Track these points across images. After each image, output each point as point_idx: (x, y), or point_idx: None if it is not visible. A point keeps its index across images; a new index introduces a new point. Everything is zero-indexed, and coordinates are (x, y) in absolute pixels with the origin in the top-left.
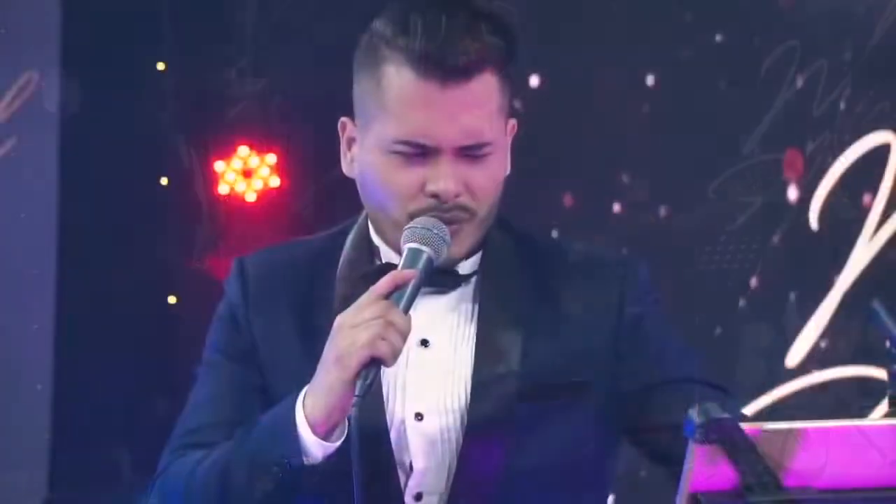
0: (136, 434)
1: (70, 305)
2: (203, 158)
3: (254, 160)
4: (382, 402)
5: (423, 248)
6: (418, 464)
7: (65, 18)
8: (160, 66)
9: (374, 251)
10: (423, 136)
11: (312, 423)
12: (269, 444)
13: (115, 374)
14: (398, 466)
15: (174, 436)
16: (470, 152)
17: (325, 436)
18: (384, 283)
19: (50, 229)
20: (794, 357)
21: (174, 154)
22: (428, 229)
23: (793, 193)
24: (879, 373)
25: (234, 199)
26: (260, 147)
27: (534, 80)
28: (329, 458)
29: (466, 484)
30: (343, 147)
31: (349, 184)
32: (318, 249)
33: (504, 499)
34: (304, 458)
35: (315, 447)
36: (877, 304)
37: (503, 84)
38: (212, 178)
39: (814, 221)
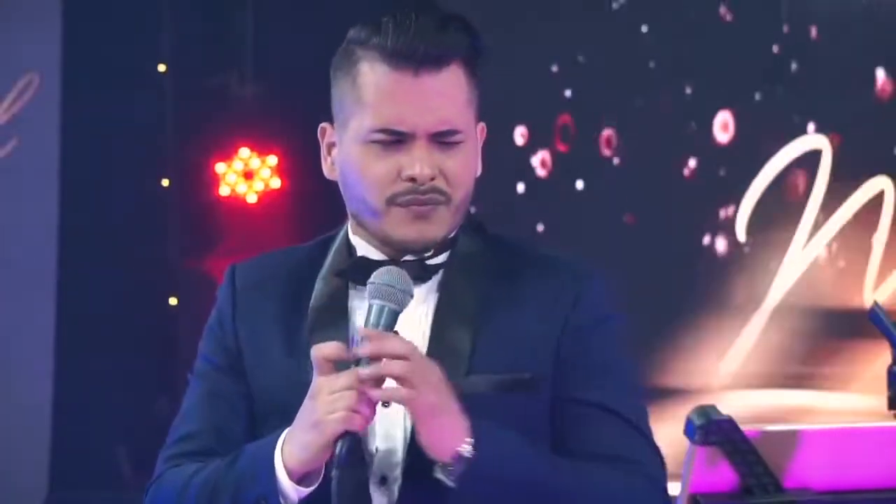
0: (135, 435)
1: (71, 306)
2: (204, 160)
3: (255, 162)
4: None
5: (389, 304)
6: (382, 448)
7: (65, 20)
8: (161, 67)
9: (352, 251)
10: (398, 123)
11: (289, 469)
12: (250, 481)
13: (115, 376)
14: (365, 451)
15: (167, 443)
16: (443, 139)
17: (301, 481)
18: (365, 349)
19: (51, 230)
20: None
21: (175, 155)
22: (390, 285)
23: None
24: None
25: (236, 201)
26: (261, 149)
27: None
28: (305, 499)
29: (416, 472)
30: (323, 152)
31: None
32: (306, 256)
33: (453, 490)
34: (281, 500)
35: (291, 491)
36: (877, 307)
37: (471, 80)
38: (213, 180)
39: (741, 234)
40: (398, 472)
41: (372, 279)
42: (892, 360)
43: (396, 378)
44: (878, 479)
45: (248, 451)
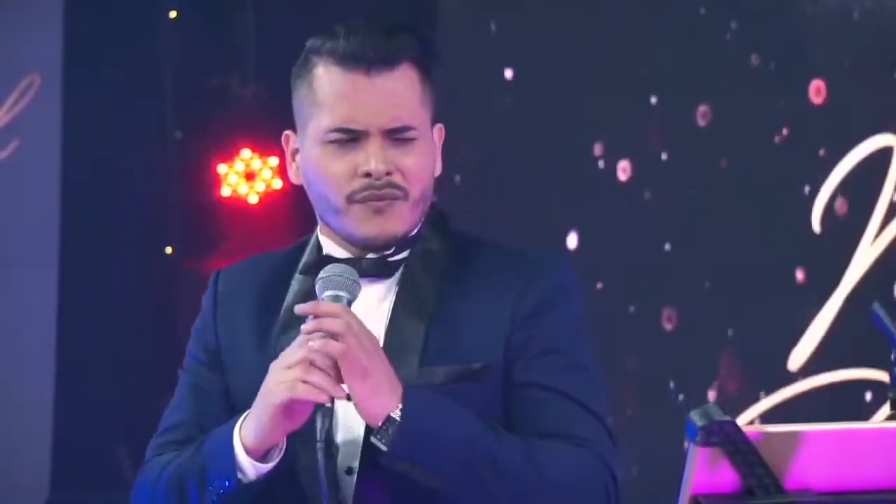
0: (136, 436)
1: (72, 306)
2: (205, 161)
3: (256, 163)
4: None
5: (340, 293)
6: (347, 441)
7: (66, 21)
8: (162, 68)
9: (320, 249)
10: (351, 121)
11: (246, 446)
12: (212, 461)
13: (116, 376)
14: (332, 443)
15: (156, 433)
16: (396, 135)
17: (259, 458)
18: (311, 325)
19: (52, 231)
20: (796, 359)
21: (177, 156)
22: (340, 276)
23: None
24: (881, 375)
25: (237, 202)
26: (262, 150)
27: None
28: (264, 476)
29: (371, 463)
30: (288, 159)
31: None
32: (285, 258)
33: (406, 479)
34: (240, 476)
35: (249, 468)
36: (877, 307)
37: (424, 81)
38: (214, 181)
39: (816, 224)
40: (358, 462)
41: (320, 275)
42: (892, 360)
43: (330, 334)
44: (880, 479)
45: (212, 435)
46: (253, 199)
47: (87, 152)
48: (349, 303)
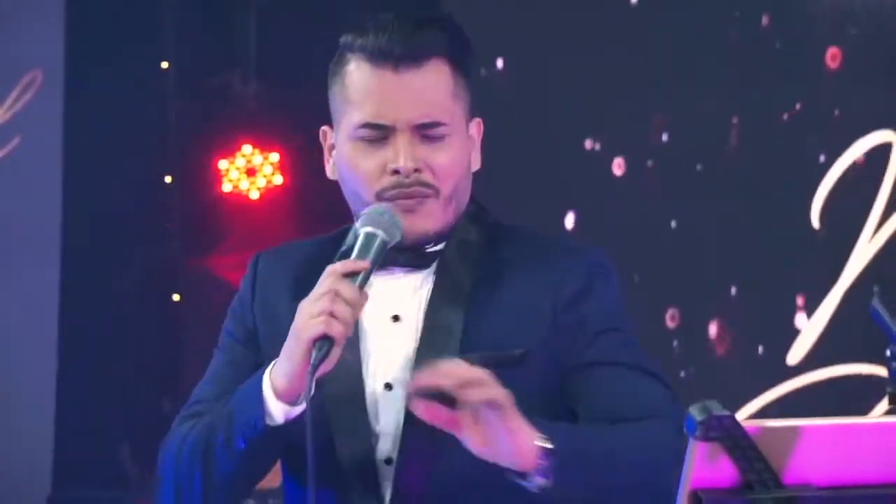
0: (139, 433)
1: (74, 303)
2: (207, 157)
3: (257, 158)
4: (360, 373)
5: (377, 231)
6: (385, 430)
7: (68, 18)
8: (164, 64)
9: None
10: (380, 117)
11: (276, 388)
12: (241, 407)
13: (118, 373)
14: (371, 433)
15: (184, 406)
16: (426, 132)
17: (289, 401)
18: (340, 264)
19: (53, 228)
20: (795, 354)
21: (178, 152)
22: (380, 214)
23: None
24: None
25: (238, 198)
26: (263, 145)
27: None
28: (292, 421)
29: (412, 452)
30: (326, 154)
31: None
32: (322, 247)
33: (447, 470)
34: (268, 420)
35: (277, 410)
36: (876, 303)
37: (456, 74)
38: (215, 177)
39: (815, 221)
40: (397, 452)
41: (363, 211)
42: (890, 355)
43: (493, 404)
44: (879, 474)
45: (239, 388)
46: (254, 195)
47: (89, 149)
48: (384, 243)
